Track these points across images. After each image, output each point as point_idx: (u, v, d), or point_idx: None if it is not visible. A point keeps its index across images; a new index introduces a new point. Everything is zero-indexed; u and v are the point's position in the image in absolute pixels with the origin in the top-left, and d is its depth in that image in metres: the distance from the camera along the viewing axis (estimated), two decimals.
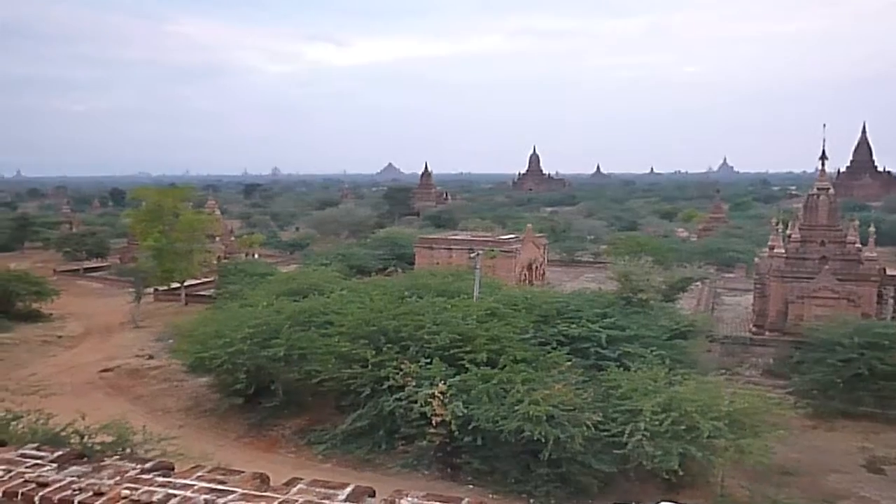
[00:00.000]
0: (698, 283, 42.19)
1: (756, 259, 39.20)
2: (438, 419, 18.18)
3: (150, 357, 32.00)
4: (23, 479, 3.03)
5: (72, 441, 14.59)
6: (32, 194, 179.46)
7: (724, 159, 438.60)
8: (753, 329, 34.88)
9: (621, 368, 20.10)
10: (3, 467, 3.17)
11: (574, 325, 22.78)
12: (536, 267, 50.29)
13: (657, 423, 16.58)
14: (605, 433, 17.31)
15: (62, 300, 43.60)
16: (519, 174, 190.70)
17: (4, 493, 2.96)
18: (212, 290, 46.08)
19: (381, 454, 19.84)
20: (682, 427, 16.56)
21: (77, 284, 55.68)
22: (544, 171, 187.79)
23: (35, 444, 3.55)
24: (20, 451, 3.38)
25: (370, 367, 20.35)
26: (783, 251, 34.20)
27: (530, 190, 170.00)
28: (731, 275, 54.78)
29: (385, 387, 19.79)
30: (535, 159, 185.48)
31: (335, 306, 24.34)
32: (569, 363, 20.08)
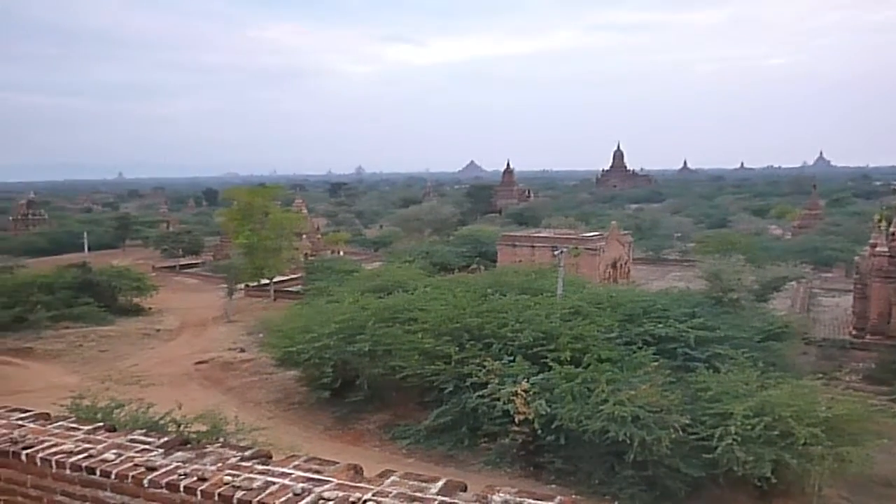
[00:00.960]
0: (793, 282, 40.41)
1: (856, 258, 37.16)
2: (521, 417, 18.10)
3: (242, 350, 33.16)
4: (132, 463, 3.20)
5: (169, 429, 15.30)
6: (132, 195, 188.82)
7: (821, 153, 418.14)
8: (853, 332, 33.11)
9: (710, 370, 19.47)
10: (114, 451, 3.35)
11: (661, 325, 22.22)
12: (621, 265, 49.35)
13: (749, 427, 15.97)
14: (694, 436, 16.80)
15: (160, 295, 45.74)
16: (602, 171, 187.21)
17: (116, 475, 3.13)
18: (299, 287, 47.36)
19: (463, 451, 19.92)
20: (776, 433, 15.89)
21: (173, 280, 58.32)
22: (629, 168, 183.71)
23: (142, 430, 3.74)
24: (129, 437, 3.57)
25: (453, 363, 20.46)
26: (886, 249, 32.29)
27: (614, 187, 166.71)
28: (828, 274, 52.21)
29: (468, 384, 19.86)
30: (619, 155, 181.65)
31: (419, 303, 24.57)
32: (655, 364, 19.59)
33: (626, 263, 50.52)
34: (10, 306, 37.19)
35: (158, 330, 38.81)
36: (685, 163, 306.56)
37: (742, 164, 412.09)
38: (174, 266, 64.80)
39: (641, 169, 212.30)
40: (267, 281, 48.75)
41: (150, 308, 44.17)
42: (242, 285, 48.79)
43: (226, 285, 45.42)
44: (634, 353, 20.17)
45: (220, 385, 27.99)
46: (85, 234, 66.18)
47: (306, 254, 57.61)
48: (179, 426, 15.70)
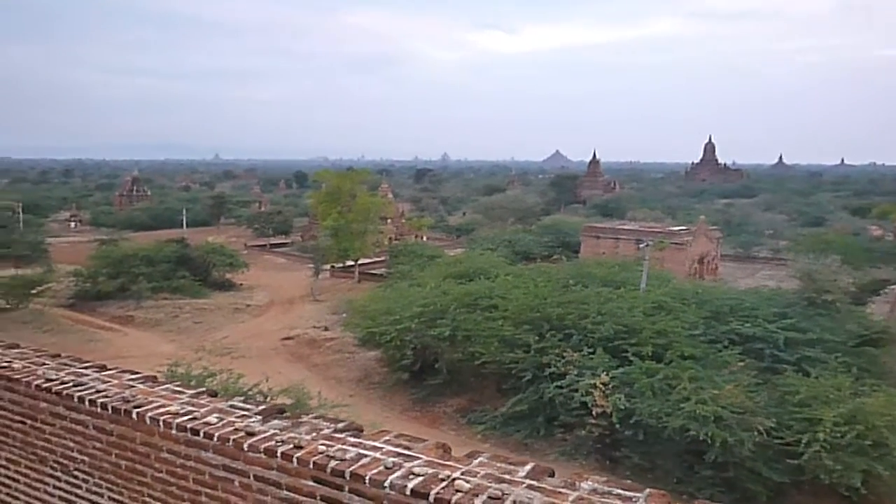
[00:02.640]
0: (894, 286, 38.21)
1: None
2: (599, 410, 17.88)
3: (326, 329, 33.91)
4: (233, 427, 3.35)
5: (257, 400, 15.90)
6: (227, 176, 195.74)
7: None
8: None
9: (800, 373, 18.67)
10: (216, 415, 3.52)
11: (748, 324, 21.45)
12: (708, 261, 47.87)
13: (838, 435, 15.26)
14: (779, 440, 16.19)
15: (251, 272, 47.24)
16: (692, 164, 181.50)
17: (218, 437, 3.29)
18: (383, 269, 48.03)
19: (539, 440, 19.85)
20: (868, 442, 15.13)
21: (263, 258, 60.12)
22: (720, 161, 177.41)
23: (242, 398, 3.91)
24: (229, 402, 3.75)
25: (532, 352, 20.38)
26: None
27: (704, 180, 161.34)
28: None
29: (546, 373, 19.75)
30: (710, 148, 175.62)
31: (500, 291, 24.56)
32: (741, 363, 18.96)
33: (713, 259, 48.98)
34: (115, 276, 39.32)
35: (248, 305, 40.10)
36: (780, 157, 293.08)
37: (842, 160, 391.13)
38: (264, 245, 66.79)
39: (733, 163, 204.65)
40: (352, 263, 49.66)
41: (241, 284, 45.69)
42: (328, 266, 49.84)
43: (312, 265, 46.58)
44: (719, 351, 19.59)
45: (304, 361, 28.77)
46: (184, 212, 69.26)
47: (390, 238, 58.34)
48: (266, 398, 16.28)
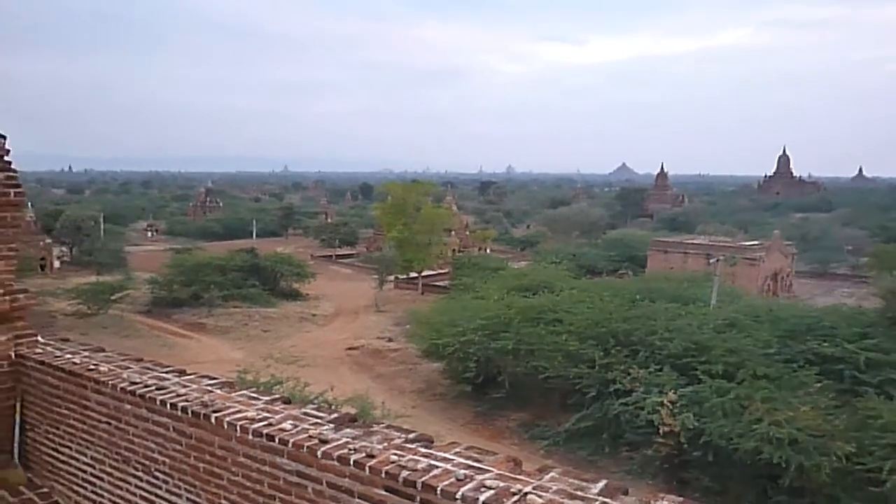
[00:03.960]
0: None
1: None
2: (666, 429, 17.46)
3: (390, 340, 34.21)
4: (307, 434, 3.43)
5: (327, 408, 16.15)
6: (296, 187, 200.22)
7: None
8: None
9: (883, 397, 17.82)
10: (290, 422, 3.61)
11: (827, 344, 20.58)
12: (783, 277, 46.33)
13: None
14: (860, 467, 15.47)
15: (317, 282, 48.14)
16: (765, 176, 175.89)
17: (293, 444, 3.37)
18: (446, 281, 48.21)
19: (604, 457, 19.52)
20: None
21: (329, 269, 61.16)
22: (795, 174, 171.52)
23: (315, 405, 4.00)
24: (303, 410, 3.83)
25: (597, 368, 20.10)
26: None
27: (777, 194, 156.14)
28: None
29: (611, 390, 19.44)
30: (784, 161, 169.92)
31: (564, 305, 24.34)
32: (818, 385, 18.20)
33: (788, 276, 47.38)
34: (188, 284, 40.69)
35: (314, 315, 40.86)
36: (860, 170, 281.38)
37: None
38: (331, 255, 67.96)
39: (809, 175, 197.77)
40: (416, 274, 50.02)
41: (307, 294, 46.58)
42: (392, 277, 50.34)
43: (377, 276, 47.11)
44: (795, 371, 18.86)
45: (368, 371, 29.08)
46: (254, 222, 71.11)
47: (454, 250, 58.56)
48: (331, 406, 16.52)
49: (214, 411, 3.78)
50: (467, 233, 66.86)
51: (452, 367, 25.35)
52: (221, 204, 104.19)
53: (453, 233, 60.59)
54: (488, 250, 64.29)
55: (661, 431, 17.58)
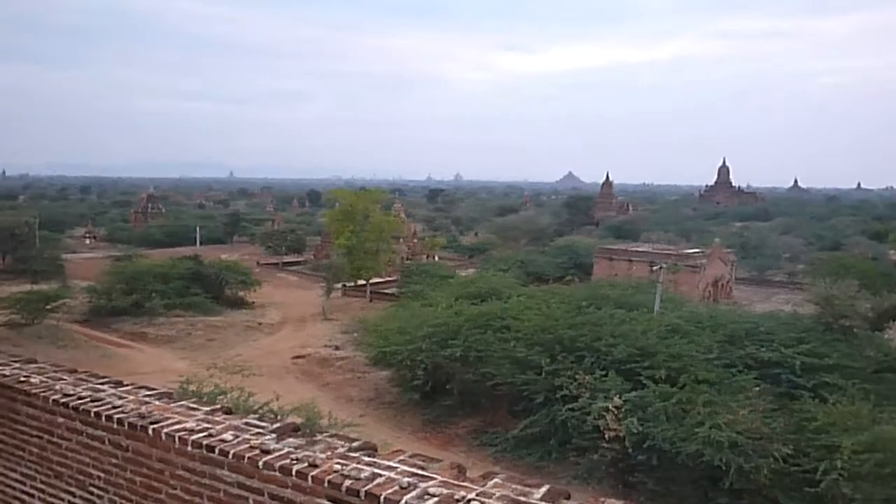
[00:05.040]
0: None
1: None
2: (612, 434, 17.72)
3: (337, 348, 33.90)
4: (248, 445, 3.37)
5: (268, 418, 15.89)
6: (242, 194, 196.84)
7: None
8: None
9: (817, 400, 18.44)
10: (231, 432, 3.55)
11: (765, 349, 21.23)
12: (723, 284, 47.60)
13: (857, 463, 15.04)
14: (796, 468, 15.98)
15: (263, 290, 47.36)
16: (707, 186, 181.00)
17: (234, 455, 3.31)
18: (395, 289, 48.04)
19: (551, 463, 19.69)
20: (888, 471, 14.90)
21: (276, 277, 60.25)
22: (735, 184, 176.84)
23: (257, 415, 3.93)
24: (245, 420, 3.77)
25: (545, 374, 20.27)
26: None
27: (718, 203, 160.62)
28: None
29: (558, 396, 19.63)
30: (724, 171, 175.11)
31: (513, 312, 24.50)
32: (757, 389, 18.74)
33: (728, 283, 48.71)
34: (129, 293, 39.56)
35: (261, 323, 40.22)
36: (796, 181, 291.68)
37: (859, 184, 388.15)
38: (278, 263, 67.03)
39: (748, 186, 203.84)
40: (364, 282, 49.74)
41: (253, 302, 45.82)
42: (341, 285, 49.93)
43: (325, 284, 46.67)
44: (734, 376, 19.38)
45: (316, 380, 28.74)
46: (198, 229, 69.71)
47: (403, 257, 58.43)
48: (277, 416, 16.26)
49: (152, 423, 3.69)
50: (416, 240, 66.82)
51: (401, 374, 25.27)
52: (164, 210, 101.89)
53: (402, 240, 60.49)
54: (437, 258, 64.31)
55: (606, 436, 17.83)
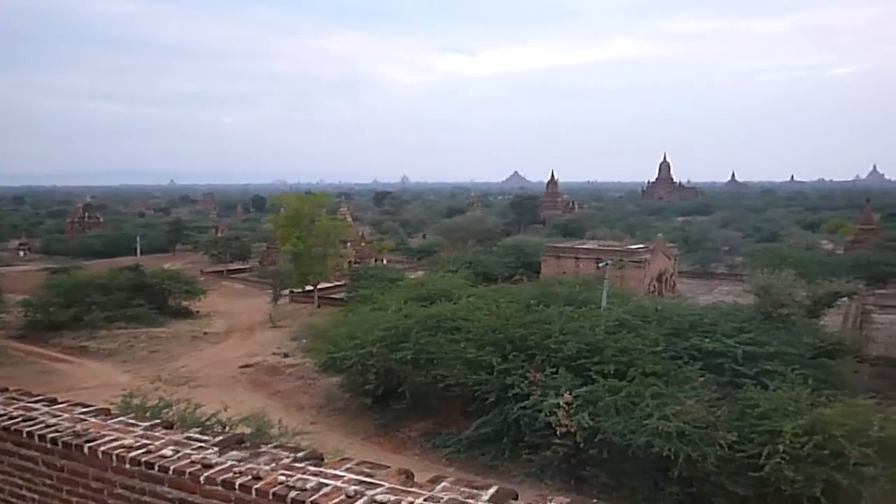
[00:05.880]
0: (846, 298, 39.21)
1: None
2: (564, 430, 17.93)
3: (286, 355, 33.52)
4: (189, 460, 3.27)
5: (216, 430, 15.56)
6: (184, 201, 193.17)
7: (874, 167, 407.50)
8: None
9: (759, 387, 18.98)
10: (171, 447, 3.44)
11: (708, 340, 21.79)
12: (667, 278, 48.65)
13: (798, 446, 15.53)
14: (741, 454, 16.42)
15: (209, 299, 46.63)
16: (649, 182, 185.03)
17: (174, 471, 3.21)
18: (343, 294, 47.72)
19: (505, 462, 19.80)
20: (827, 452, 15.42)
21: (221, 285, 59.30)
22: (675, 180, 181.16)
23: (198, 429, 3.82)
24: (186, 434, 3.66)
25: (496, 374, 20.38)
26: None
27: (661, 199, 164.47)
28: (883, 291, 50.54)
29: (510, 394, 19.76)
30: (665, 167, 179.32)
31: (462, 313, 24.56)
32: (702, 379, 19.21)
33: (672, 276, 49.79)
34: (67, 306, 38.36)
35: (206, 333, 39.52)
36: (733, 175, 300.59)
37: (792, 177, 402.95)
38: (222, 271, 65.99)
39: (688, 181, 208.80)
40: (312, 287, 49.28)
41: (198, 311, 45.06)
42: (288, 291, 49.39)
43: (271, 291, 46.05)
44: (681, 367, 19.82)
45: (265, 389, 28.37)
46: (138, 238, 67.90)
47: (351, 262, 58.11)
48: (225, 427, 15.95)
49: (88, 441, 3.55)
50: (363, 244, 66.48)
51: (352, 380, 25.08)
52: (102, 219, 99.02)
53: (349, 244, 60.11)
54: (385, 261, 64.12)
55: (558, 432, 18.03)
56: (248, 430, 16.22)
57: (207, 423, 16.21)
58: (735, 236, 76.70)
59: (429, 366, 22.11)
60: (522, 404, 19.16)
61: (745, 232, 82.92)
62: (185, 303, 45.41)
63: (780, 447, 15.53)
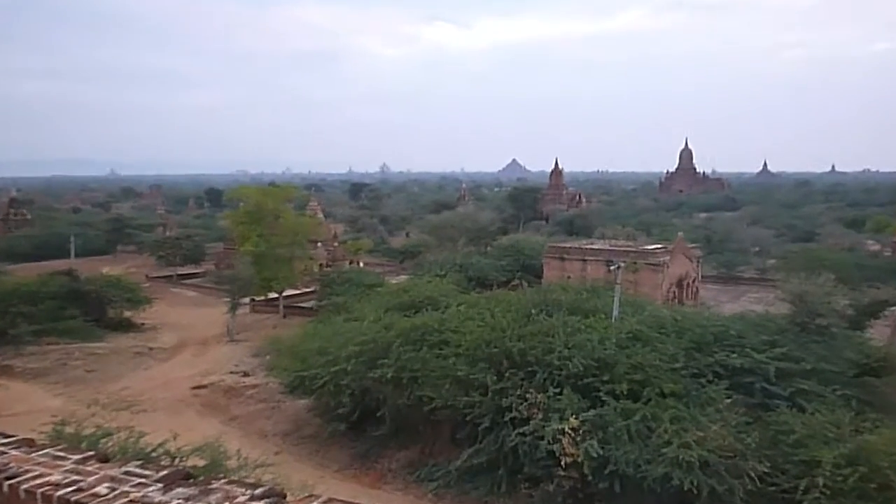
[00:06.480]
0: (894, 307, 39.55)
1: None
2: (569, 459, 17.95)
3: (246, 374, 33.49)
4: (127, 499, 3.23)
5: (163, 462, 15.47)
6: (127, 194, 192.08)
7: None
8: None
9: (794, 409, 19.15)
10: (106, 484, 3.39)
11: (735, 355, 21.92)
12: (688, 283, 48.85)
13: (840, 478, 15.65)
14: (773, 487, 16.53)
15: (155, 309, 46.48)
16: (667, 173, 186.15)
17: None
18: (313, 302, 47.68)
19: (501, 496, 19.83)
20: (873, 485, 15.56)
21: (170, 292, 59.17)
22: (698, 170, 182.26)
23: (139, 462, 3.78)
24: (124, 469, 3.61)
25: (490, 394, 20.38)
26: None
27: (681, 192, 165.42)
28: None
29: (507, 419, 19.77)
30: (686, 155, 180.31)
31: (452, 323, 24.58)
32: (728, 400, 19.32)
33: (693, 282, 50.00)
34: None
35: (152, 348, 39.43)
36: (765, 165, 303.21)
37: (833, 167, 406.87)
38: (171, 276, 65.79)
39: (713, 171, 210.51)
40: (276, 295, 49.17)
41: (143, 323, 44.94)
42: (248, 299, 49.27)
43: (229, 299, 45.88)
44: (703, 387, 19.92)
45: (221, 413, 28.34)
46: (72, 238, 67.45)
47: (322, 264, 58.04)
48: (174, 459, 15.86)
49: (7, 478, 3.50)
50: (337, 244, 66.42)
51: (323, 402, 25.07)
52: (30, 217, 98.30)
53: (320, 244, 60.05)
54: (362, 264, 64.12)
55: (562, 463, 18.04)
56: (201, 463, 16.15)
57: (153, 454, 16.10)
58: (766, 235, 77.27)
59: (412, 385, 22.09)
60: (521, 430, 19.17)
61: (777, 230, 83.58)
62: (127, 313, 45.25)
63: (819, 480, 15.63)
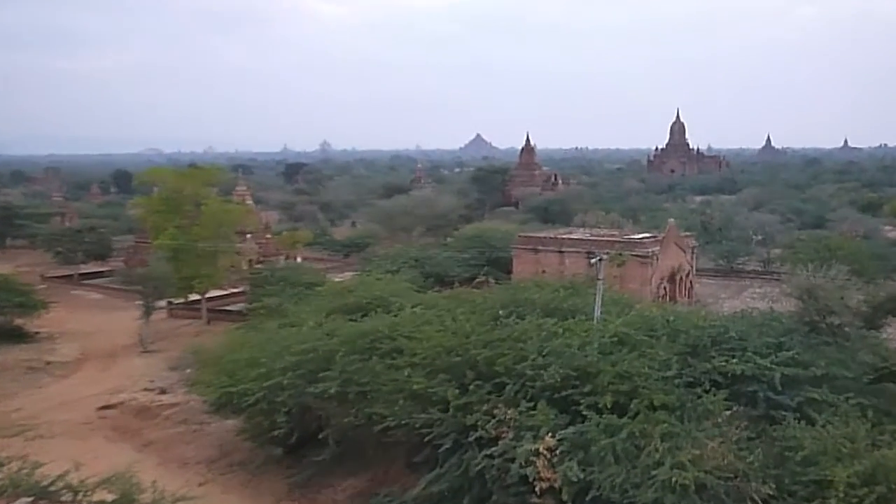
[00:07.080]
0: None
1: None
2: (545, 485, 18.07)
3: (163, 391, 33.34)
4: None
5: (64, 498, 15.28)
6: (16, 178, 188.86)
7: None
8: None
9: (803, 422, 19.44)
10: None
11: (736, 360, 22.20)
12: (682, 278, 49.43)
13: (855, 499, 15.98)
14: None
15: (52, 315, 45.96)
16: (657, 150, 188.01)
17: None
18: (242, 305, 47.39)
19: None
20: None
21: (71, 294, 58.51)
22: (692, 146, 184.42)
23: (32, 497, 3.73)
24: None
25: (452, 411, 20.42)
26: None
27: (672, 171, 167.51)
28: None
29: (472, 439, 19.82)
30: (678, 129, 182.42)
31: (406, 329, 24.58)
32: (728, 412, 19.60)
33: (687, 276, 50.60)
34: None
35: (49, 362, 39.08)
36: (769, 140, 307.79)
37: (846, 142, 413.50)
38: (72, 275, 65.04)
39: (709, 148, 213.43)
40: (198, 297, 48.80)
41: (38, 332, 44.53)
42: (165, 302, 48.88)
43: (142, 302, 45.43)
44: (700, 397, 20.14)
45: (133, 438, 28.20)
46: None
47: (252, 260, 57.69)
48: (77, 494, 15.67)
49: None
50: (269, 236, 66.03)
51: (255, 423, 24.96)
52: None
53: (249, 236, 59.69)
54: (300, 259, 63.88)
55: (537, 489, 18.15)
56: (109, 497, 15.99)
57: (51, 488, 15.86)
58: (770, 221, 78.42)
59: (360, 402, 22.08)
60: (488, 452, 19.23)
61: (782, 216, 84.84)
62: (18, 321, 44.81)
63: (832, 501, 15.91)
